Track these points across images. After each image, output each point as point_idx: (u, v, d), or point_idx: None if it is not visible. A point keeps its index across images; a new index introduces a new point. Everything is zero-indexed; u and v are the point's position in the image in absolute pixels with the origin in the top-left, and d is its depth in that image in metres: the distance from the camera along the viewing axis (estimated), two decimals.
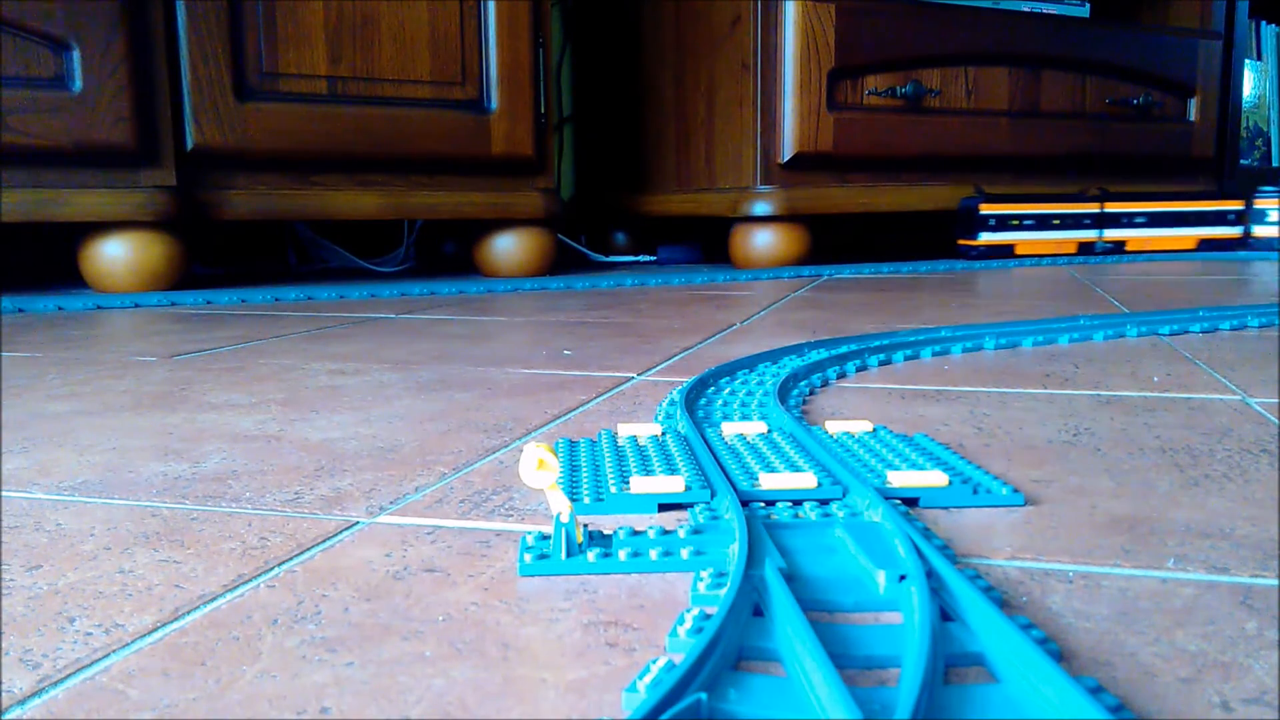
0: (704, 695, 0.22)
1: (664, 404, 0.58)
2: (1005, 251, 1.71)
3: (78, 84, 1.19)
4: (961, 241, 1.73)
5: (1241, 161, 2.34)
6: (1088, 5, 1.84)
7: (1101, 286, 1.26)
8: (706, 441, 0.47)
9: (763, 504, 0.39)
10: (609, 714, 0.24)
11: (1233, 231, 1.89)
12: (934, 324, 0.92)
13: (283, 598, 0.31)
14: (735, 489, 0.39)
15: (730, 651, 0.25)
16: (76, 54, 1.18)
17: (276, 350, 0.82)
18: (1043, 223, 1.73)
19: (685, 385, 0.58)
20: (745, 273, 1.56)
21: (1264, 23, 2.54)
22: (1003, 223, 1.70)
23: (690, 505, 0.39)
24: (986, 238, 1.69)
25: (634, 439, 0.48)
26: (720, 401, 0.57)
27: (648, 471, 0.42)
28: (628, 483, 0.40)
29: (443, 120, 1.41)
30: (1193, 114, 1.97)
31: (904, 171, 1.70)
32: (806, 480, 0.39)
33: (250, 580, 0.32)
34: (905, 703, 0.21)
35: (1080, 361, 0.73)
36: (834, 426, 0.50)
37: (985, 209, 1.70)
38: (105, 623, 0.29)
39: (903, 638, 0.26)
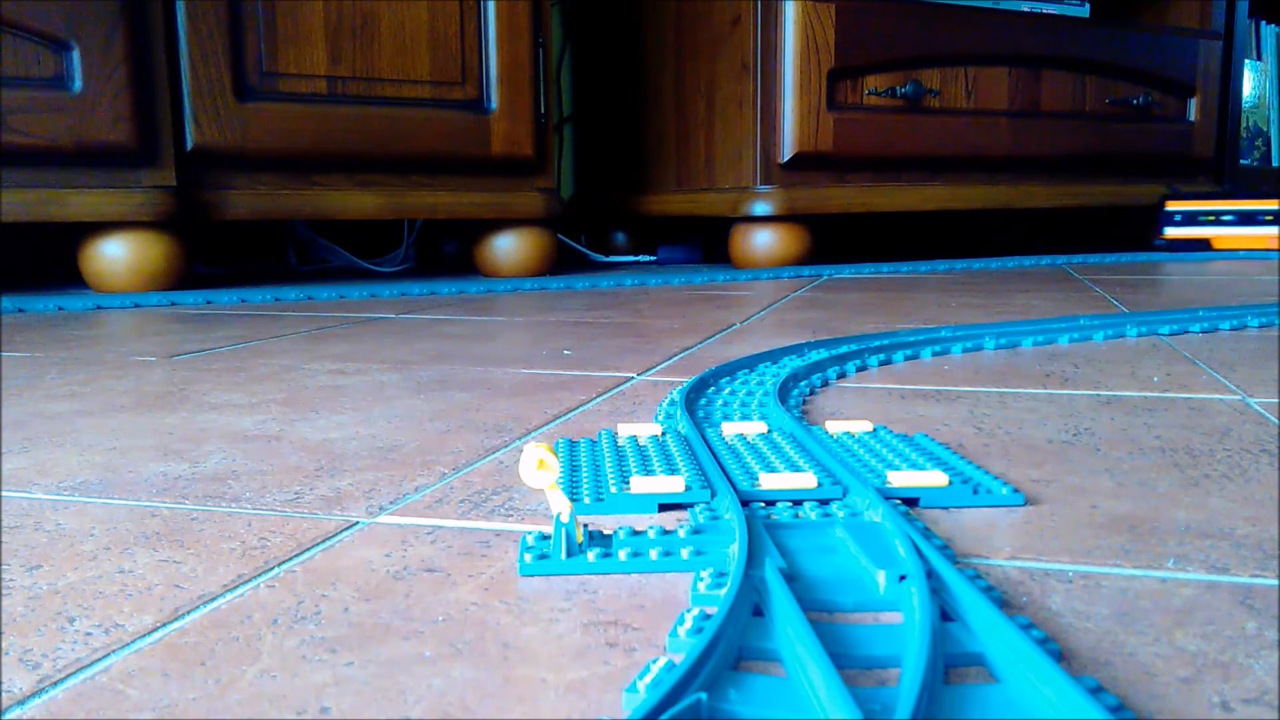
0: (704, 695, 0.22)
1: (664, 404, 0.58)
2: (1201, 245, 1.77)
3: (78, 84, 1.19)
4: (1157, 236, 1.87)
5: (1241, 161, 2.34)
6: (1088, 5, 1.84)
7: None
8: (706, 441, 0.47)
9: (763, 504, 0.39)
10: (609, 714, 0.24)
11: None
12: (934, 324, 0.92)
13: (283, 598, 0.31)
14: (735, 489, 0.39)
15: (730, 651, 0.25)
16: (76, 54, 1.18)
17: (276, 350, 0.82)
18: (1246, 218, 1.78)
19: (685, 385, 0.58)
20: (745, 273, 1.56)
21: (1264, 23, 2.53)
22: (1190, 218, 1.79)
23: (690, 505, 0.39)
24: (1172, 232, 1.78)
25: (634, 439, 0.48)
26: (720, 401, 0.57)
27: (648, 471, 0.42)
28: (628, 483, 0.40)
29: (442, 120, 1.41)
30: (1193, 114, 1.97)
31: (904, 171, 1.70)
32: (806, 480, 0.39)
33: (250, 580, 0.32)
34: (905, 703, 0.21)
35: (1080, 361, 0.73)
36: (834, 426, 0.50)
37: (1170, 205, 1.81)
38: (105, 623, 0.29)
39: (903, 638, 0.26)
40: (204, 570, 0.33)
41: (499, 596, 0.31)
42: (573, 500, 0.39)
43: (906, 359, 0.74)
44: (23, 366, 0.76)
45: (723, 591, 0.30)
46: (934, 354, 0.76)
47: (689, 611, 0.28)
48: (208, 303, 1.20)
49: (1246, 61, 2.41)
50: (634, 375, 0.69)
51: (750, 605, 0.28)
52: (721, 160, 1.67)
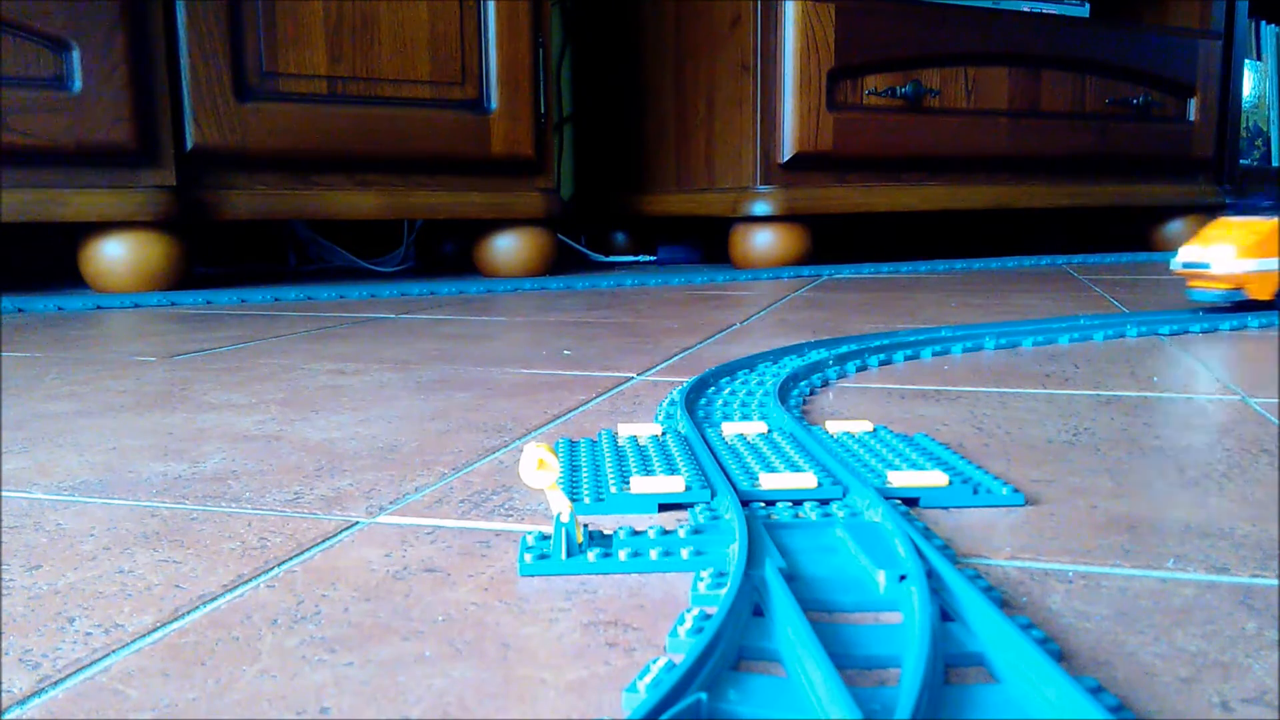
0: (704, 695, 0.22)
1: (664, 404, 0.58)
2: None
3: (78, 84, 1.19)
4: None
5: (1241, 161, 2.34)
6: (1088, 5, 1.84)
7: None
8: (706, 441, 0.47)
9: (763, 504, 0.39)
10: (609, 714, 0.24)
11: None
12: (934, 324, 0.92)
13: (283, 598, 0.31)
14: (735, 489, 0.39)
15: (730, 651, 0.25)
16: (76, 54, 1.18)
17: (276, 350, 0.82)
18: None
19: (685, 385, 0.58)
20: (745, 273, 1.56)
21: (1264, 23, 2.53)
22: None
23: (690, 505, 0.39)
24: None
25: (634, 439, 0.48)
26: (720, 401, 0.57)
27: (648, 471, 0.42)
28: (628, 483, 0.40)
29: (443, 120, 1.40)
30: (1193, 114, 1.97)
31: (904, 171, 1.70)
32: (806, 480, 0.39)
33: (250, 580, 0.32)
34: (905, 703, 0.21)
35: (1080, 361, 0.73)
36: (834, 426, 0.50)
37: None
38: (105, 623, 0.29)
39: (903, 638, 0.26)
40: (204, 570, 0.33)
41: (499, 596, 0.31)
42: (573, 500, 0.39)
43: (906, 359, 0.74)
44: (23, 366, 0.76)
45: (723, 591, 0.30)
46: (934, 354, 0.76)
47: (689, 611, 0.28)
48: (208, 303, 1.20)
49: (1246, 61, 2.41)
50: (634, 375, 0.69)
51: (750, 605, 0.28)
52: (721, 160, 1.67)
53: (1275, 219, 0.95)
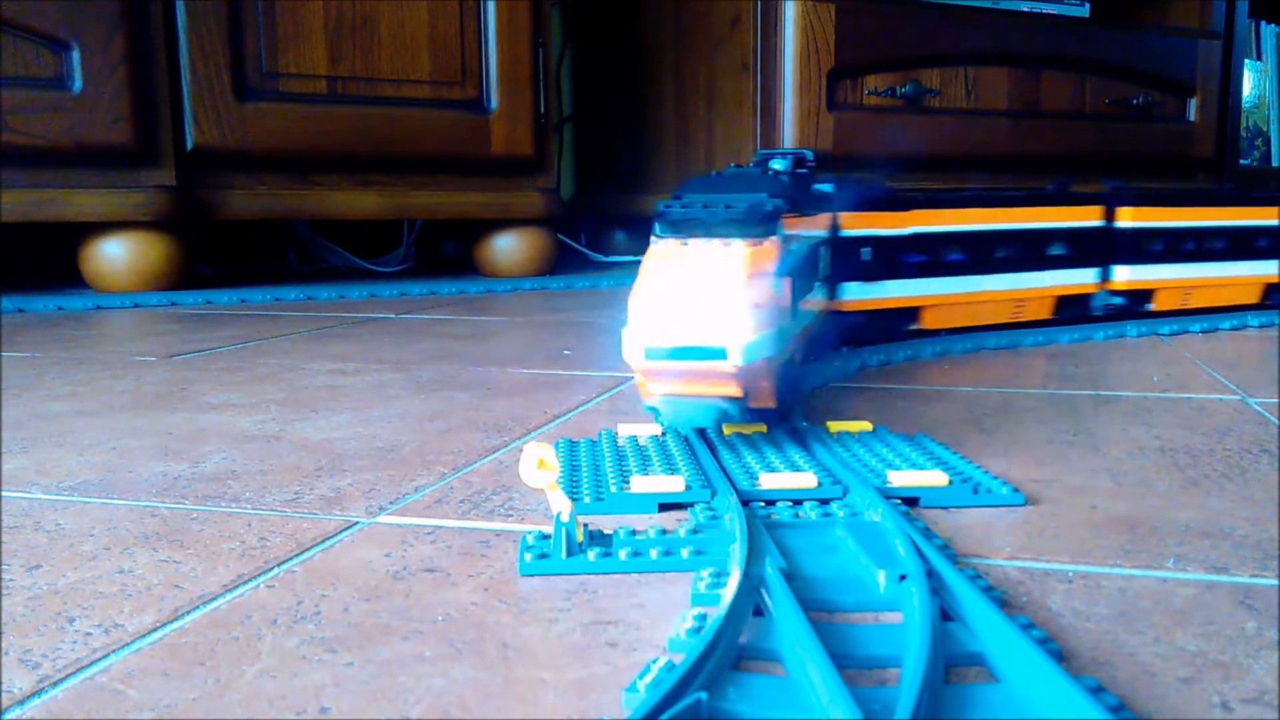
0: (704, 695, 0.22)
1: None
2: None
3: (78, 84, 1.19)
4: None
5: (1241, 161, 2.34)
6: (1088, 5, 1.84)
7: None
8: (707, 441, 0.47)
9: (763, 504, 0.39)
10: (609, 714, 0.24)
11: None
12: None
13: (283, 598, 0.31)
14: (735, 489, 0.39)
15: (730, 651, 0.25)
16: (76, 54, 1.18)
17: (276, 350, 0.82)
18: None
19: None
20: None
21: (1264, 23, 2.53)
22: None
23: (690, 505, 0.39)
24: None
25: (634, 439, 0.48)
26: None
27: (648, 471, 0.42)
28: (628, 482, 0.40)
29: (442, 120, 1.40)
30: (1192, 114, 1.97)
31: (904, 171, 1.70)
32: (807, 480, 0.39)
33: (250, 580, 0.32)
34: (905, 703, 0.21)
35: (1080, 361, 0.73)
36: (834, 426, 0.50)
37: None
38: (105, 623, 0.29)
39: (903, 637, 0.26)
40: (204, 570, 0.33)
41: (499, 596, 0.31)
42: (573, 500, 0.39)
43: (906, 359, 0.74)
44: (23, 366, 0.76)
45: (723, 591, 0.30)
46: (934, 354, 0.76)
47: (689, 611, 0.28)
48: (208, 303, 1.20)
49: (1246, 61, 2.41)
50: (634, 375, 0.68)
51: (750, 605, 0.28)
52: (721, 160, 1.67)
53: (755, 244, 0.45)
